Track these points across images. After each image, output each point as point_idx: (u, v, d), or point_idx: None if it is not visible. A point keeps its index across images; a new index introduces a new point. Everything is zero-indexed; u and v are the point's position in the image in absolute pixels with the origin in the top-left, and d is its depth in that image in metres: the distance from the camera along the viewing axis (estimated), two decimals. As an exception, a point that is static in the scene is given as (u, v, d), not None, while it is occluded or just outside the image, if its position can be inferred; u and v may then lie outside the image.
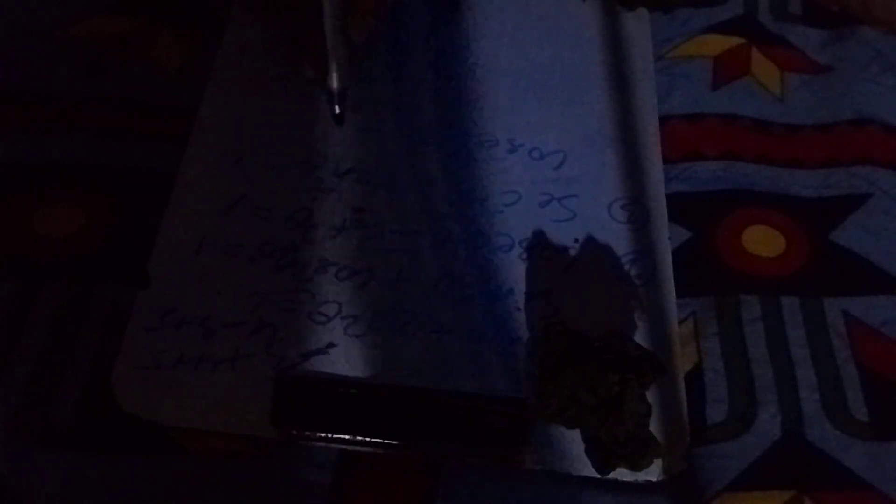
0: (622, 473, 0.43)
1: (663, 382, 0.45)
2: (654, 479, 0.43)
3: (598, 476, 0.43)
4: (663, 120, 0.56)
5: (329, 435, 0.43)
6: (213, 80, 0.56)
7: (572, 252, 0.50)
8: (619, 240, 0.51)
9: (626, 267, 0.49)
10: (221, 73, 0.56)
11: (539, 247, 0.50)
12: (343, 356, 0.46)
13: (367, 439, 0.43)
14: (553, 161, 0.54)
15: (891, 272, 0.51)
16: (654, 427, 0.44)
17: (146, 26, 0.58)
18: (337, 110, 0.52)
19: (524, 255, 0.50)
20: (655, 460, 0.43)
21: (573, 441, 0.43)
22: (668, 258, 0.50)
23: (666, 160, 0.54)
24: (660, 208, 0.52)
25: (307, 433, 0.43)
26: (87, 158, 0.52)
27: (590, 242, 0.50)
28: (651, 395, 0.44)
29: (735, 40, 0.61)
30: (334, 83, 0.51)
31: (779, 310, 0.49)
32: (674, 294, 0.49)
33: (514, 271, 0.49)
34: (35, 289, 0.47)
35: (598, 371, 0.43)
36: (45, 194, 0.51)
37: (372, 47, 0.58)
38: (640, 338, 0.46)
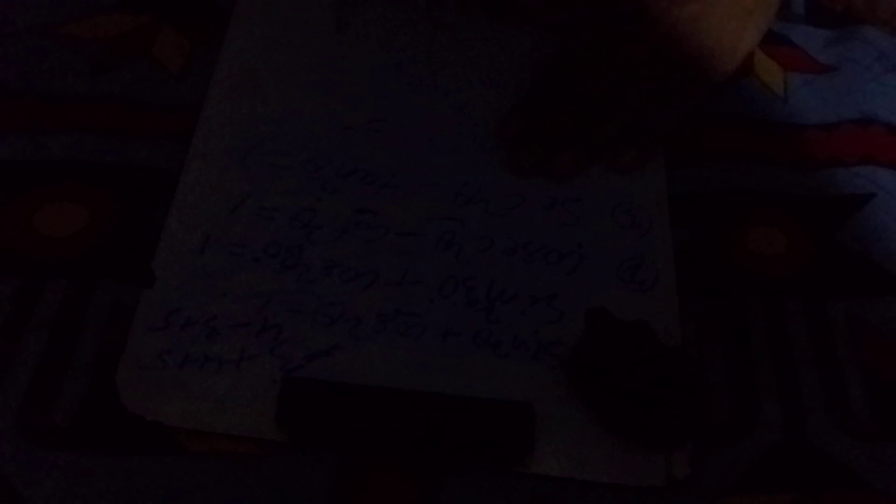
0: (626, 478, 0.43)
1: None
2: (658, 484, 0.43)
3: (602, 481, 0.42)
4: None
5: (333, 438, 0.43)
6: (216, 78, 0.56)
7: (576, 256, 0.50)
8: (622, 244, 0.51)
9: (630, 271, 0.49)
10: (224, 71, 0.56)
11: (543, 251, 0.50)
12: (348, 358, 0.45)
13: (372, 443, 0.43)
14: None
15: (893, 272, 0.51)
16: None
17: (148, 25, 0.58)
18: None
19: (528, 259, 0.50)
20: (660, 464, 0.43)
21: (577, 447, 0.43)
22: (671, 262, 0.50)
23: (669, 161, 0.54)
24: (662, 212, 0.52)
25: (311, 436, 0.43)
26: (89, 157, 0.52)
27: (593, 246, 0.50)
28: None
29: (739, 40, 0.61)
30: None
31: (782, 310, 0.49)
32: (676, 297, 0.49)
33: (518, 275, 0.49)
34: (37, 287, 0.47)
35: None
36: (48, 193, 0.50)
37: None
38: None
